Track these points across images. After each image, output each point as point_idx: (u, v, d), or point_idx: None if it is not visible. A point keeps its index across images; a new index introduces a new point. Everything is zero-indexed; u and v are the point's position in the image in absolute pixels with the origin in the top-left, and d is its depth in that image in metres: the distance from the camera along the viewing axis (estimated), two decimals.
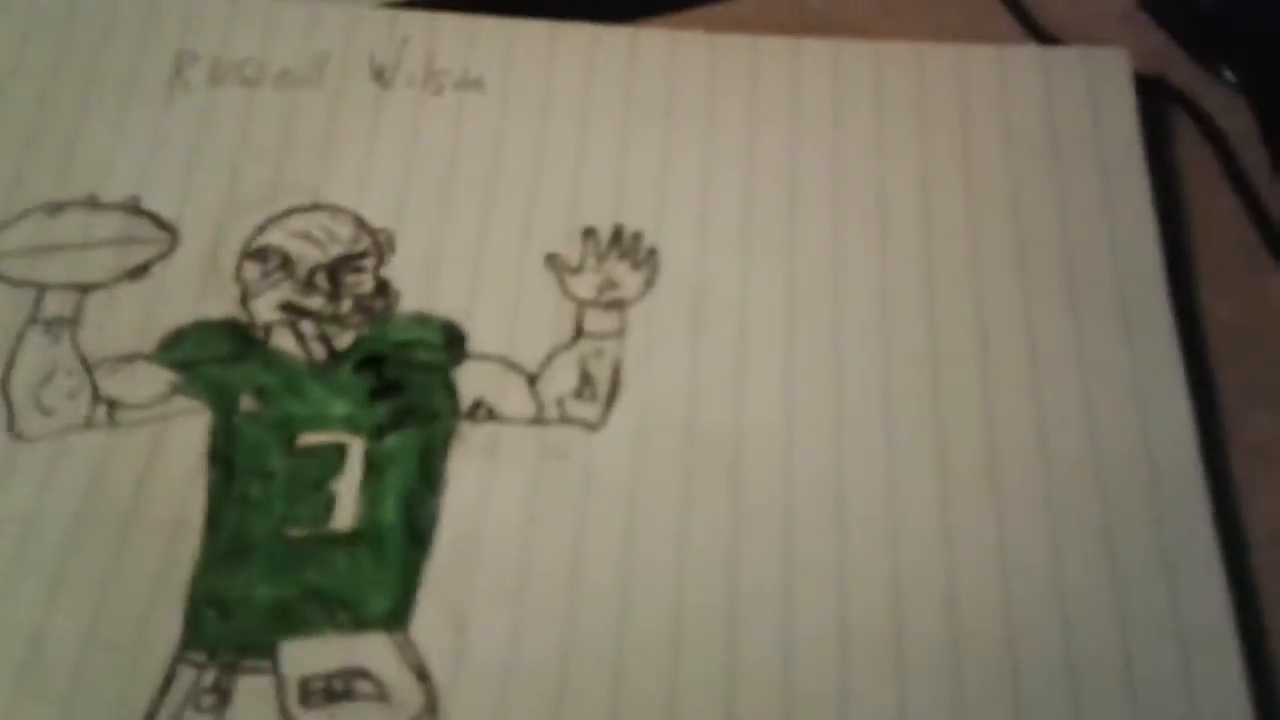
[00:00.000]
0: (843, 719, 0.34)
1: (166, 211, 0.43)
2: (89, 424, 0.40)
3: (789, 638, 0.36)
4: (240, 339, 0.41)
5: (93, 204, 0.43)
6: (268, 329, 0.41)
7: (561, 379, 0.40)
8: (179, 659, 0.36)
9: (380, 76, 0.46)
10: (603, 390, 0.40)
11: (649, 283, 0.42)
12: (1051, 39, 0.48)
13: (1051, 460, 0.38)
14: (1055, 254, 0.42)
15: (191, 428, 0.40)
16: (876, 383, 0.40)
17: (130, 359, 0.41)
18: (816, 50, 0.46)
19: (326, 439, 0.39)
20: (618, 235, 0.43)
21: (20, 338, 0.41)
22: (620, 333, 0.41)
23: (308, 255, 0.42)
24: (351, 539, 0.38)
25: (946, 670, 0.35)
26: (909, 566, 0.37)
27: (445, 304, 0.42)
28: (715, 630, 0.36)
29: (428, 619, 0.36)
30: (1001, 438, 0.39)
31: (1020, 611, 0.36)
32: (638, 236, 0.43)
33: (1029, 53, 0.47)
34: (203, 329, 0.41)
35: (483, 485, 0.38)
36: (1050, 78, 0.45)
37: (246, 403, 0.40)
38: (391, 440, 0.39)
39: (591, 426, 0.39)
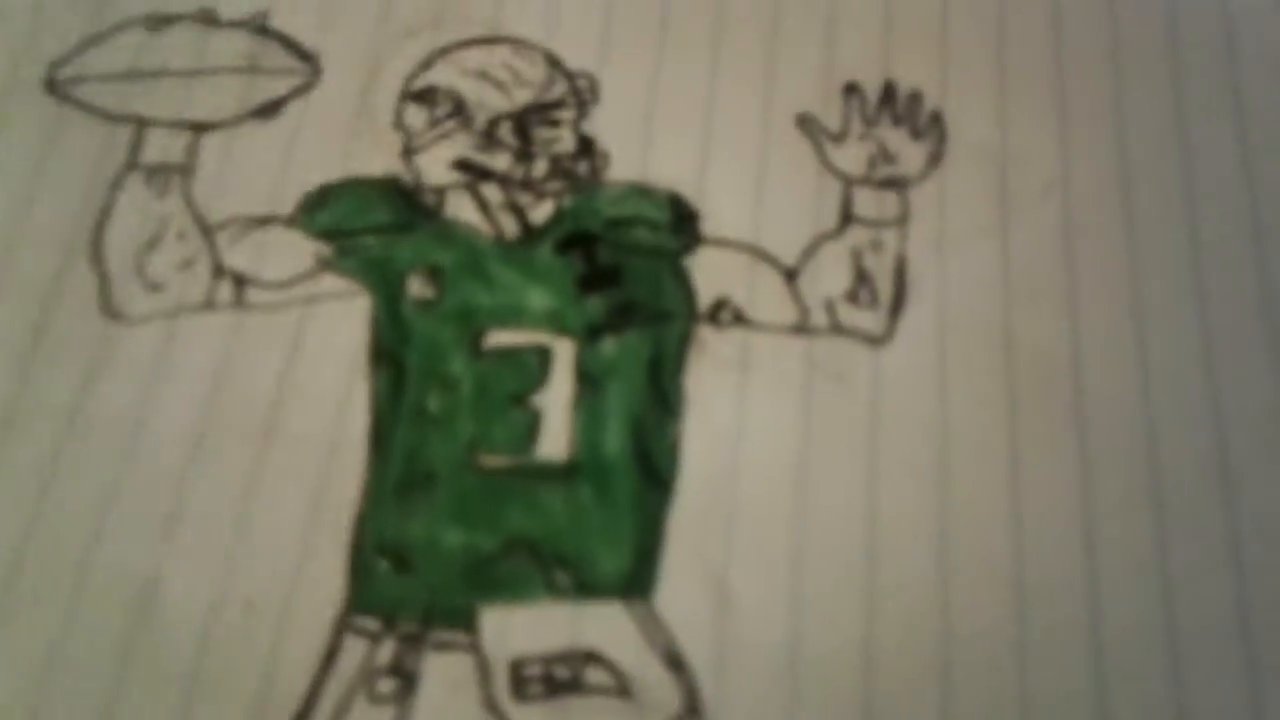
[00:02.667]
0: None
1: (303, 35, 0.34)
2: (209, 304, 0.30)
3: (1167, 619, 0.26)
4: (405, 204, 0.31)
5: (207, 19, 0.34)
6: (440, 193, 0.32)
7: (830, 276, 0.30)
8: (344, 626, 0.26)
9: None
10: (885, 292, 0.30)
11: (935, 156, 0.32)
12: None
13: None
14: None
15: (346, 316, 0.30)
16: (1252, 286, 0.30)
17: (263, 223, 0.31)
18: None
19: (523, 339, 0.30)
20: (889, 94, 0.33)
21: (115, 189, 0.31)
22: (902, 219, 0.31)
23: (488, 101, 0.33)
24: (567, 474, 0.28)
25: None
26: None
27: (666, 172, 0.32)
28: (1069, 614, 0.26)
29: (677, 586, 0.27)
30: None
31: None
32: (916, 97, 0.33)
33: None
34: (357, 188, 0.32)
35: (735, 408, 0.29)
36: None
37: (416, 287, 0.30)
38: (610, 345, 0.30)
39: (874, 339, 0.30)
